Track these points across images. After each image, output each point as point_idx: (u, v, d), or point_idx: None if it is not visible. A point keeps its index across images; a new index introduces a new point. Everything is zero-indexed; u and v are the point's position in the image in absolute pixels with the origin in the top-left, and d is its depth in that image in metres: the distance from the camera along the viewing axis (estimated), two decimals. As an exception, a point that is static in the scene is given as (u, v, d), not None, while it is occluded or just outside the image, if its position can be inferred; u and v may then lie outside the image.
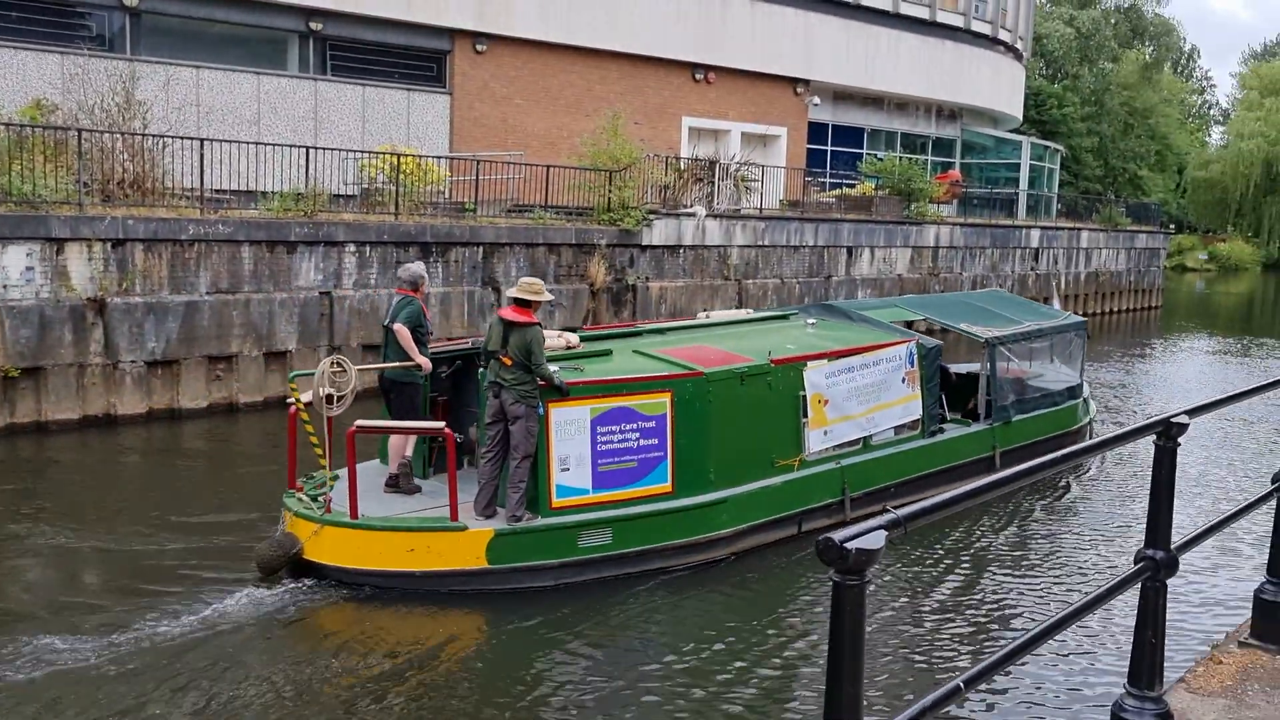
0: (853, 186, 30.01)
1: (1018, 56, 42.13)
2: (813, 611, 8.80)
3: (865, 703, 2.47)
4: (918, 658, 7.95)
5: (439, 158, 20.99)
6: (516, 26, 24.74)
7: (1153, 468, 3.88)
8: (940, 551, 10.34)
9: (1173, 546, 3.85)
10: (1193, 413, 3.95)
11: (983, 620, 8.79)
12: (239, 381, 15.78)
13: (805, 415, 10.50)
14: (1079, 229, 38.01)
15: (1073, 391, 14.32)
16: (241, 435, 14.83)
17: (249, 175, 17.66)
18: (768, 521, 10.08)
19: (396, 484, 9.73)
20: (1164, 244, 46.08)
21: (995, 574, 9.88)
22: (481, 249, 18.69)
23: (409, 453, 9.90)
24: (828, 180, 32.18)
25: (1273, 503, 5.12)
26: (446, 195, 20.65)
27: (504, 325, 8.85)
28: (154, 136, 16.50)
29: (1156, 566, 3.78)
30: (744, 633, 8.34)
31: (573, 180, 21.57)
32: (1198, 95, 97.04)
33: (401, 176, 18.54)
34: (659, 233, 21.65)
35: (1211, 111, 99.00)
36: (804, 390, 10.50)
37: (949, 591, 9.36)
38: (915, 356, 11.64)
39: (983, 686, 6.75)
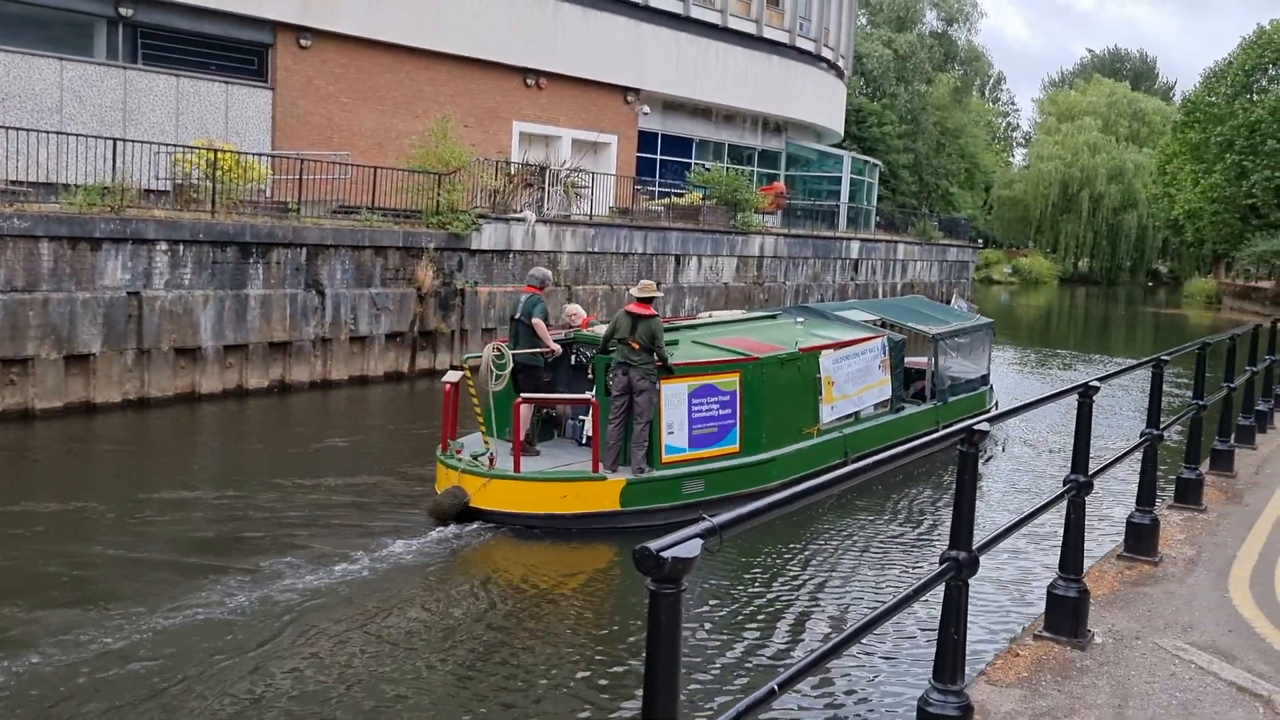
0: (681, 195, 30.49)
1: (839, 74, 43.73)
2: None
3: (684, 708, 2.49)
4: (737, 661, 8.09)
5: (260, 155, 20.23)
6: (342, 22, 24.10)
7: (956, 473, 4.07)
8: (759, 557, 10.58)
9: (974, 547, 4.04)
10: (992, 420, 4.17)
11: (800, 623, 9.02)
12: (36, 386, 14.79)
13: (820, 394, 12.85)
14: (896, 241, 39.74)
15: (984, 379, 17.26)
16: (39, 443, 13.90)
17: (50, 167, 16.62)
18: (799, 478, 11.07)
19: (523, 448, 11.28)
20: (973, 257, 48.67)
21: (813, 578, 10.16)
22: (305, 250, 18.11)
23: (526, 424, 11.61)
24: (657, 188, 32.59)
25: (1064, 504, 5.46)
26: (268, 194, 19.92)
27: (631, 318, 10.88)
28: (-59, 122, 15.34)
29: (959, 566, 3.96)
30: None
31: (401, 182, 21.16)
32: (1002, 118, 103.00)
33: (219, 173, 17.77)
34: (488, 237, 21.47)
35: (1015, 134, 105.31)
36: (819, 373, 12.87)
37: (768, 596, 9.58)
38: (887, 348, 14.27)
39: (797, 687, 6.95)
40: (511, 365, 11.33)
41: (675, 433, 11.21)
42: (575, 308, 13.21)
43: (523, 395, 11.13)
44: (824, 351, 13.03)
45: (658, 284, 25.96)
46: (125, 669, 7.38)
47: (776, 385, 12.17)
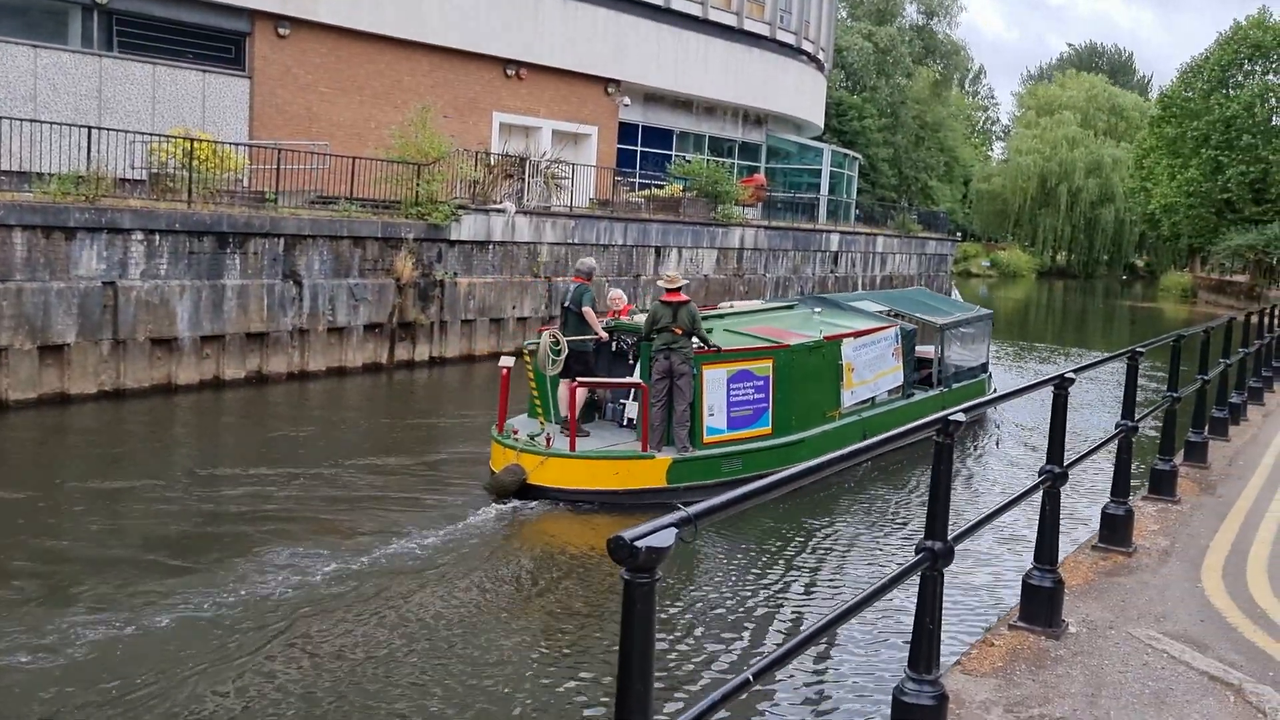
0: (661, 187, 30.48)
1: (820, 67, 43.77)
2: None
3: (658, 698, 2.49)
4: (712, 651, 8.10)
5: (237, 144, 20.08)
6: (321, 11, 23.94)
7: (932, 463, 4.08)
8: (736, 546, 10.61)
9: (949, 537, 4.05)
10: (967, 411, 4.18)
11: (776, 613, 9.05)
12: (9, 377, 14.64)
13: (842, 379, 13.61)
14: (875, 234, 39.83)
15: (984, 367, 18.26)
16: (14, 434, 13.77)
17: (24, 155, 16.47)
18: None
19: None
20: (951, 250, 48.81)
21: (789, 568, 10.20)
22: (283, 241, 17.99)
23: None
24: (637, 180, 32.56)
25: (1039, 494, 5.49)
26: (246, 184, 19.78)
27: (671, 306, 11.57)
28: (-88, 109, 15.15)
29: (934, 556, 3.98)
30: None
31: (380, 173, 21.06)
32: (981, 112, 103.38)
33: (196, 162, 17.62)
34: (468, 228, 21.39)
35: (994, 128, 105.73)
36: (841, 360, 13.62)
37: (744, 586, 9.61)
38: (900, 337, 15.06)
39: (772, 677, 6.97)
40: (565, 352, 12.12)
41: (715, 415, 12.00)
42: (618, 293, 13.85)
43: (578, 379, 11.89)
44: (845, 339, 13.83)
45: (636, 276, 26.00)
46: (113, 667, 7.33)
47: (805, 371, 12.97)
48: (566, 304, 12.73)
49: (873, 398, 14.47)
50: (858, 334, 14.23)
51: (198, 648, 7.58)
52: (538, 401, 12.47)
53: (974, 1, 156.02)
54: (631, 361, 12.73)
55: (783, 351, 12.68)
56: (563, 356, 12.09)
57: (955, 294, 21.96)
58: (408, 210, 20.51)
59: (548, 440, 11.70)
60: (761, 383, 12.38)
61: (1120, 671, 5.01)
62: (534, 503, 11.34)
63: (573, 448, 11.58)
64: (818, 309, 15.53)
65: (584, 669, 7.67)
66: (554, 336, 12.19)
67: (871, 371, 14.34)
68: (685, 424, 11.69)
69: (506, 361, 12.39)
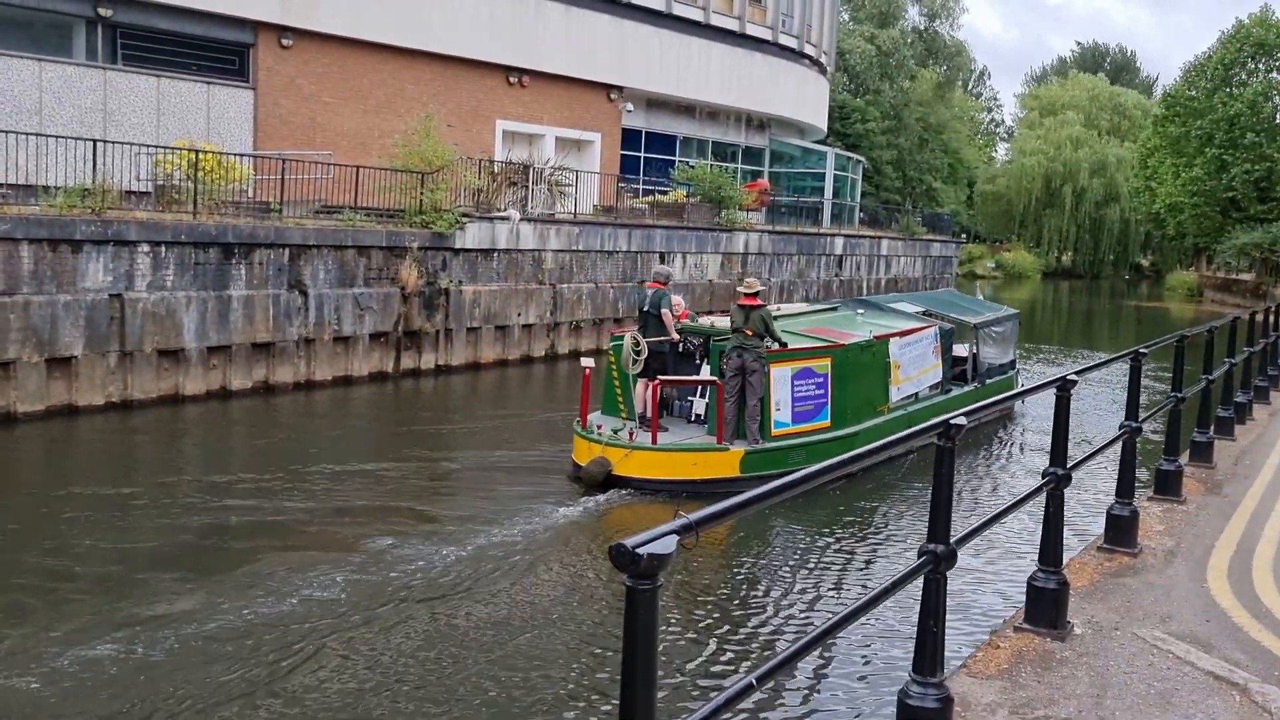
0: (665, 193, 30.50)
1: (822, 70, 43.80)
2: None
3: (662, 703, 2.51)
4: (715, 656, 8.10)
5: (242, 155, 20.16)
6: (324, 21, 24.04)
7: (934, 466, 4.09)
8: (740, 550, 10.61)
9: (952, 540, 4.07)
10: (969, 415, 4.20)
11: (780, 617, 9.04)
12: (17, 390, 14.70)
13: (889, 376, 14.42)
14: (879, 237, 39.84)
15: (1012, 364, 19.11)
16: (22, 448, 13.82)
17: (29, 169, 16.54)
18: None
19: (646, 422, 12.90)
20: (956, 252, 48.82)
21: (794, 571, 10.19)
22: (288, 251, 18.05)
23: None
24: (641, 186, 32.60)
25: (1043, 496, 5.50)
26: (250, 195, 19.84)
27: (744, 310, 12.43)
28: (-81, 125, 15.23)
29: (937, 559, 3.99)
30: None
31: (384, 182, 21.11)
32: (985, 113, 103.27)
33: (201, 174, 17.69)
34: (472, 236, 21.44)
35: (998, 129, 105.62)
36: (889, 358, 14.44)
37: (748, 590, 9.61)
38: (939, 336, 15.85)
39: (776, 681, 6.98)
40: (645, 353, 12.96)
41: (781, 409, 12.82)
42: (677, 299, 14.40)
43: (659, 378, 12.77)
44: (892, 339, 14.65)
45: (641, 282, 26.04)
46: (128, 685, 7.33)
47: (859, 368, 13.83)
48: (646, 308, 13.47)
49: (916, 393, 15.24)
50: (903, 333, 15.03)
51: (213, 665, 7.59)
52: (620, 399, 13.34)
53: (972, 2, 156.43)
54: (698, 361, 13.56)
55: (840, 350, 13.52)
56: (643, 356, 12.96)
57: (979, 294, 22.89)
58: (412, 219, 20.57)
59: (630, 434, 12.55)
60: (821, 379, 13.22)
61: (1126, 672, 5.02)
62: (622, 491, 12.22)
63: (654, 441, 12.39)
64: (860, 310, 16.43)
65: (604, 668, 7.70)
66: (635, 338, 13.05)
67: (915, 368, 15.14)
68: (756, 418, 12.47)
69: (588, 363, 13.37)
